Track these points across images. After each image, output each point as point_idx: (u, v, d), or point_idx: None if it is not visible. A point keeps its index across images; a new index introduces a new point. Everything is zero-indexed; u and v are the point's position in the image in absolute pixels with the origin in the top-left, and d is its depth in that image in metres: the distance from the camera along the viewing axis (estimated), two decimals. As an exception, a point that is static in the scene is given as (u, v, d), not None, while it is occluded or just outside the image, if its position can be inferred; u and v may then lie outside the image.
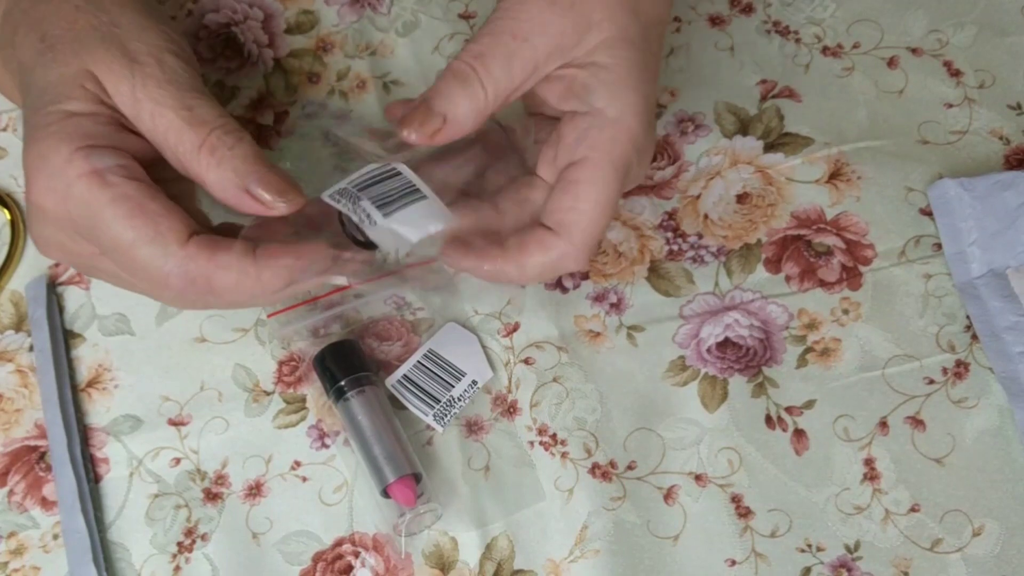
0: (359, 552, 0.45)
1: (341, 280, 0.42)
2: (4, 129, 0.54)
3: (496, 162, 0.45)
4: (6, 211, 0.51)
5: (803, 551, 0.44)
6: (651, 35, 0.43)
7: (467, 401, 0.47)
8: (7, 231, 0.51)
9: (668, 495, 0.45)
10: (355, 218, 0.40)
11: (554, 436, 0.47)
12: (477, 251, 0.42)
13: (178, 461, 0.47)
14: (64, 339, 0.49)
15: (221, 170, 0.39)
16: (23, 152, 0.39)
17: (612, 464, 0.46)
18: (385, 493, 0.44)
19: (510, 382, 0.48)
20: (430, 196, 0.41)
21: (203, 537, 0.45)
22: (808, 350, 0.48)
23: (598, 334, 0.49)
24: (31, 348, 0.49)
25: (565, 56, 0.41)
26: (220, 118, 0.40)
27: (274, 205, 0.39)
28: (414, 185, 0.41)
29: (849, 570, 0.44)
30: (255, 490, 0.46)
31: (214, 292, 0.39)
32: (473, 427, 0.47)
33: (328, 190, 0.41)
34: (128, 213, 0.38)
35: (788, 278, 0.50)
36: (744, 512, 0.45)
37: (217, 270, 0.38)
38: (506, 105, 0.42)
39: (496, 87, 0.41)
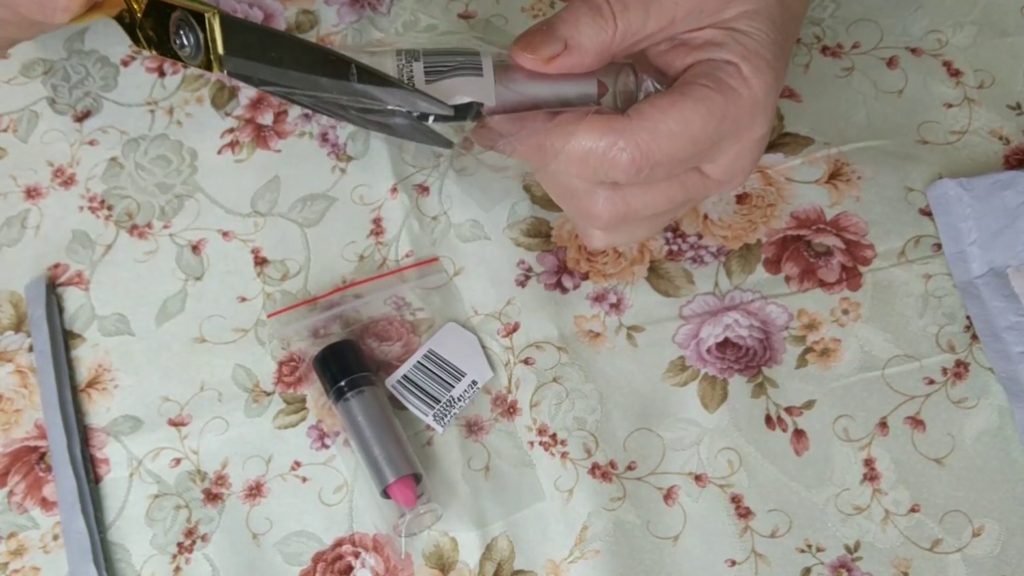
0: (359, 552, 0.45)
1: None
2: (4, 130, 0.54)
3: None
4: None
5: (803, 551, 0.44)
6: (790, 26, 0.40)
7: (467, 401, 0.47)
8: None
9: (668, 495, 0.45)
10: (395, 73, 0.37)
11: (554, 436, 0.47)
12: (519, 117, 0.38)
13: (178, 462, 0.47)
14: (64, 339, 0.49)
15: None
16: None
17: (612, 464, 0.46)
18: (385, 493, 0.44)
19: (510, 382, 0.48)
20: (487, 77, 0.38)
21: (203, 538, 0.45)
22: (808, 350, 0.48)
23: (598, 334, 0.49)
24: (31, 348, 0.49)
25: (704, 19, 0.38)
26: None
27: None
28: (478, 64, 0.38)
29: (849, 570, 0.44)
30: (255, 490, 0.46)
31: None
32: (473, 427, 0.47)
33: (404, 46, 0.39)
34: None
35: (788, 278, 0.50)
36: (744, 512, 0.45)
37: None
38: (631, 52, 0.39)
39: (627, 26, 0.37)
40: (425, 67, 0.37)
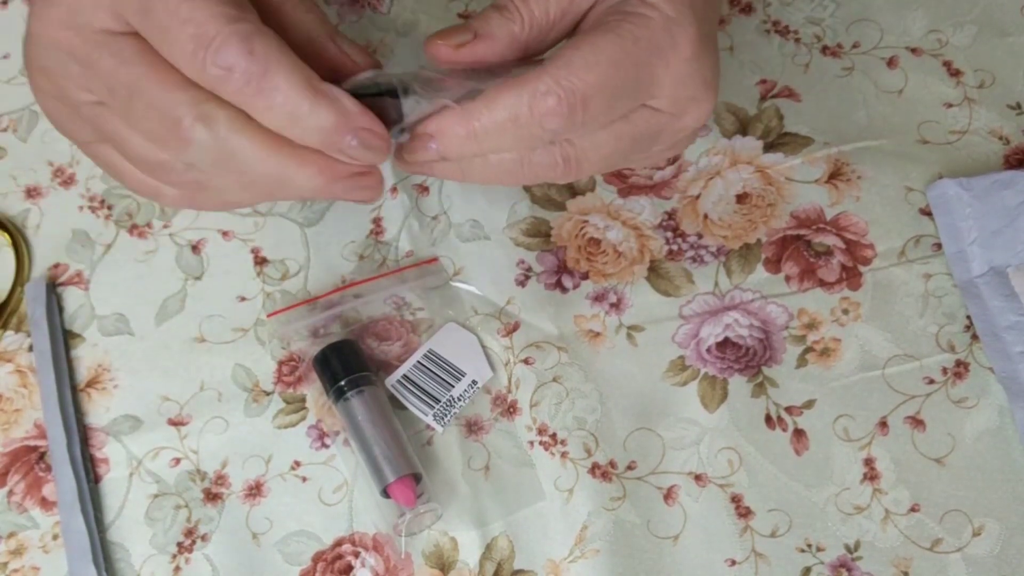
0: (359, 552, 0.45)
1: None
2: (4, 130, 0.54)
3: None
4: (6, 234, 0.51)
5: (803, 551, 0.44)
6: None
7: (467, 401, 0.47)
8: (9, 255, 0.51)
9: (668, 495, 0.45)
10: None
11: (554, 436, 0.47)
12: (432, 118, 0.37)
13: (178, 461, 0.47)
14: (64, 339, 0.49)
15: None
16: None
17: (612, 464, 0.46)
18: (385, 493, 0.44)
19: (510, 382, 0.48)
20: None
21: (203, 537, 0.45)
22: (808, 350, 0.48)
23: (598, 334, 0.49)
24: (31, 348, 0.49)
25: None
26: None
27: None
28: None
29: (849, 570, 0.44)
30: (255, 490, 0.46)
31: (263, 88, 0.32)
32: (473, 427, 0.47)
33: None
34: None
35: (788, 278, 0.50)
36: (744, 512, 0.45)
37: (282, 62, 0.33)
38: (548, 43, 0.40)
39: (532, 16, 0.38)
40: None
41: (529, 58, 0.39)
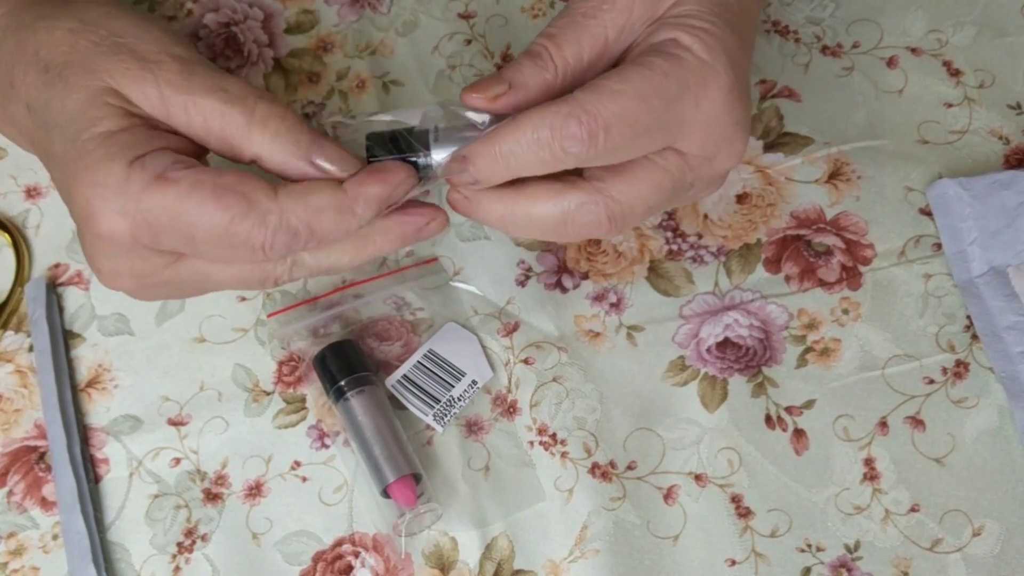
0: (359, 552, 0.45)
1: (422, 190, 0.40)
2: (4, 129, 0.54)
3: None
4: (6, 235, 0.51)
5: (803, 551, 0.44)
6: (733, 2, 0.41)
7: (467, 401, 0.47)
8: (9, 255, 0.51)
9: (668, 495, 0.45)
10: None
11: (554, 436, 0.47)
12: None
13: (178, 461, 0.47)
14: (64, 339, 0.49)
15: (278, 143, 0.38)
16: (68, 192, 0.38)
17: (612, 464, 0.46)
18: (385, 493, 0.44)
19: (510, 382, 0.48)
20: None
21: (203, 537, 0.45)
22: (808, 350, 0.48)
23: (598, 334, 0.49)
24: (31, 348, 0.49)
25: (637, 29, 0.40)
26: (256, 91, 0.39)
27: (332, 174, 0.38)
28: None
29: (849, 570, 0.44)
30: (255, 490, 0.46)
31: (315, 237, 0.37)
32: (473, 427, 0.47)
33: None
34: (212, 195, 0.36)
35: (788, 278, 0.50)
36: (744, 512, 0.45)
37: (314, 214, 0.37)
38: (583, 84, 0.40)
39: (565, 64, 0.39)
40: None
41: None
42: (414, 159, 0.39)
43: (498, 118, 0.38)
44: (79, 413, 0.48)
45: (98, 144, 0.37)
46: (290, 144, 0.38)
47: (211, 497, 0.46)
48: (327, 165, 0.38)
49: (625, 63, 0.38)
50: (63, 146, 0.38)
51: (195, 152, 0.39)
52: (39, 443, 0.47)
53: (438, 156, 0.39)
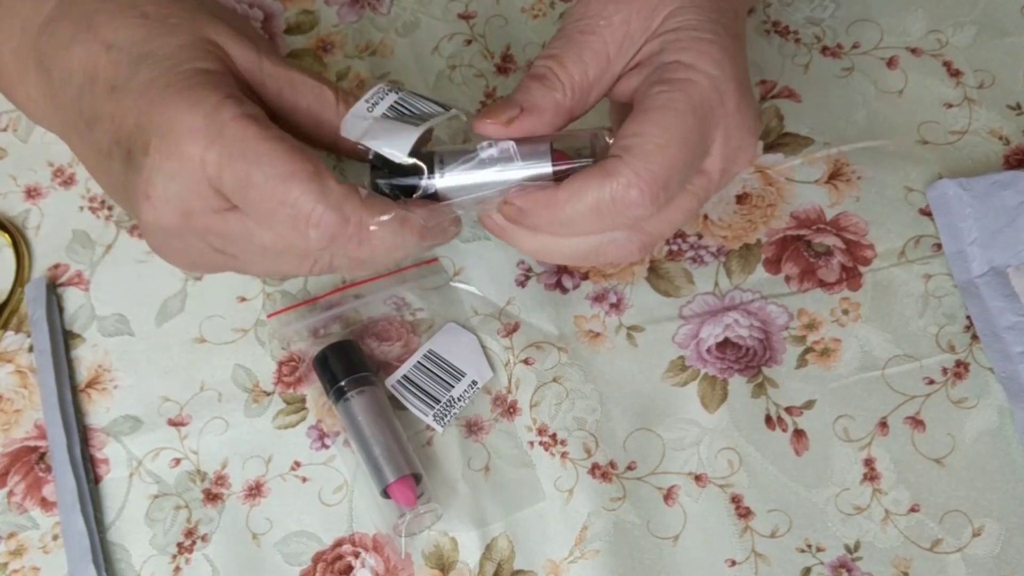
0: (359, 552, 0.45)
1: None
2: (4, 129, 0.54)
3: None
4: (6, 235, 0.51)
5: (803, 551, 0.44)
6: (724, 4, 0.41)
7: (467, 401, 0.47)
8: (9, 255, 0.51)
9: (668, 495, 0.45)
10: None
11: (554, 436, 0.47)
12: (523, 191, 0.39)
13: (178, 462, 0.47)
14: (64, 339, 0.49)
15: None
16: (146, 114, 0.37)
17: (612, 464, 0.46)
18: (385, 493, 0.44)
19: (510, 382, 0.48)
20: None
21: (203, 538, 0.45)
22: (808, 350, 0.48)
23: (598, 334, 0.49)
24: (31, 349, 0.49)
25: (637, 39, 0.40)
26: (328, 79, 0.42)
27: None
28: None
29: (849, 570, 0.44)
30: (255, 491, 0.46)
31: (361, 236, 0.38)
32: (473, 427, 0.47)
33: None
34: (287, 149, 0.37)
35: (788, 278, 0.50)
36: (744, 512, 0.45)
37: (373, 215, 0.38)
38: (589, 104, 0.41)
39: (572, 81, 0.40)
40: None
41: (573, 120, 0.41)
42: (415, 182, 0.40)
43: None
44: (79, 413, 0.48)
45: (198, 74, 0.38)
46: None
47: (211, 497, 0.46)
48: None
49: (649, 106, 0.38)
50: (153, 73, 0.38)
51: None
52: (39, 443, 0.47)
53: (443, 182, 0.39)
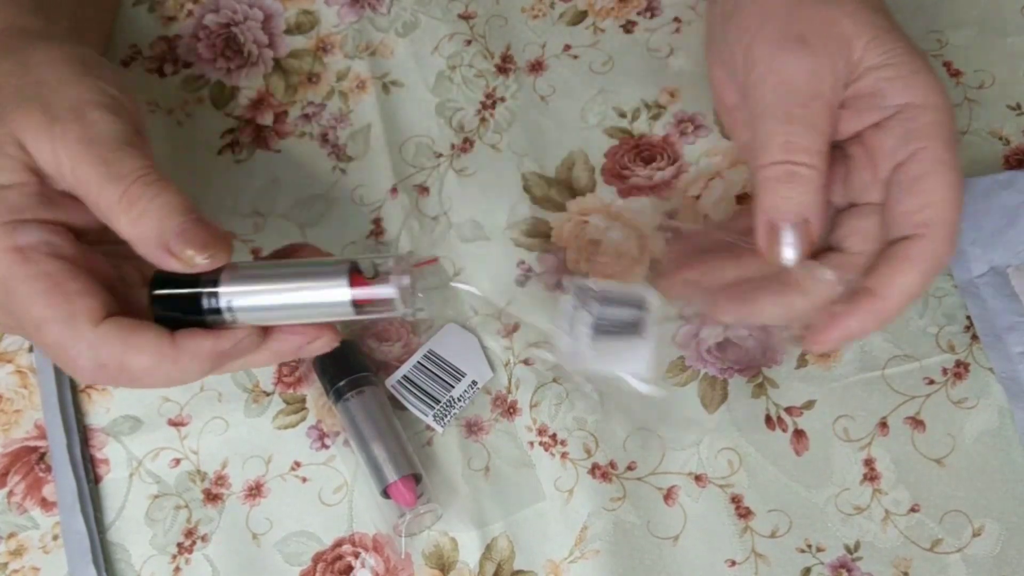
0: (359, 552, 0.45)
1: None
2: None
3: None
4: None
5: (803, 551, 0.44)
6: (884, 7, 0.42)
7: (467, 401, 0.47)
8: None
9: (668, 495, 0.45)
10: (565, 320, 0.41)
11: (554, 436, 0.47)
12: (829, 314, 0.40)
13: (178, 462, 0.47)
14: (64, 340, 0.49)
15: (141, 224, 0.36)
16: None
17: (612, 464, 0.46)
18: (385, 493, 0.44)
19: (510, 382, 0.48)
20: (650, 339, 0.41)
21: (203, 538, 0.45)
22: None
23: (598, 334, 0.49)
24: (31, 349, 0.49)
25: (839, 86, 0.40)
26: (142, 169, 0.36)
27: (193, 262, 0.36)
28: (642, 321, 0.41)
29: (849, 570, 0.44)
30: (255, 491, 0.46)
31: (128, 374, 0.36)
32: (473, 427, 0.47)
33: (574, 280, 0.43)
34: (44, 291, 0.35)
35: (788, 278, 0.49)
36: (744, 512, 0.45)
37: (130, 353, 0.36)
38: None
39: (811, 159, 0.40)
40: (597, 319, 0.41)
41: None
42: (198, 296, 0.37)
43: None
44: (79, 413, 0.48)
45: None
46: (152, 227, 0.36)
47: (211, 497, 0.46)
48: (184, 250, 0.36)
49: (919, 173, 0.39)
50: None
51: (98, 224, 0.38)
52: (39, 443, 0.47)
53: (235, 301, 0.37)
